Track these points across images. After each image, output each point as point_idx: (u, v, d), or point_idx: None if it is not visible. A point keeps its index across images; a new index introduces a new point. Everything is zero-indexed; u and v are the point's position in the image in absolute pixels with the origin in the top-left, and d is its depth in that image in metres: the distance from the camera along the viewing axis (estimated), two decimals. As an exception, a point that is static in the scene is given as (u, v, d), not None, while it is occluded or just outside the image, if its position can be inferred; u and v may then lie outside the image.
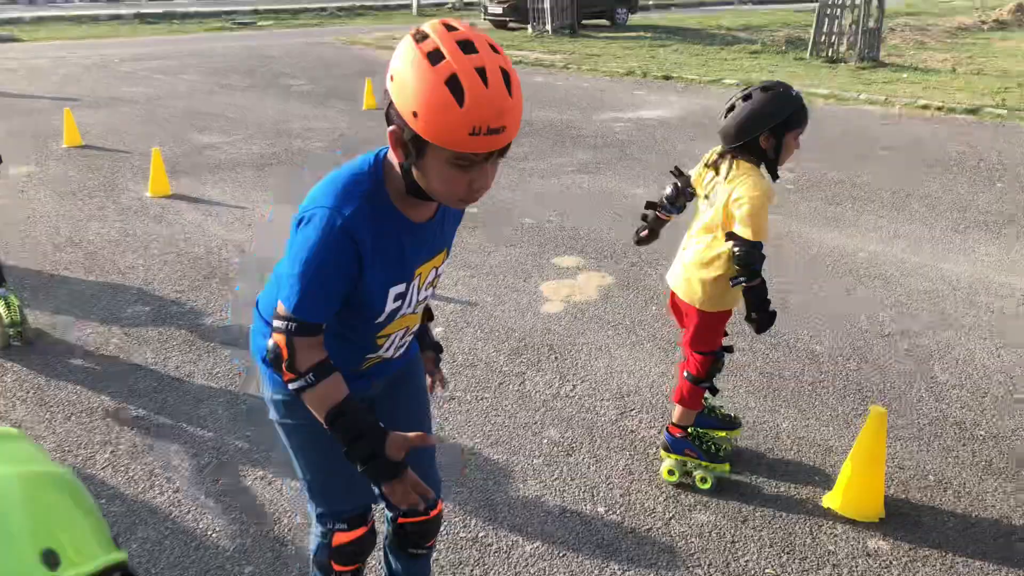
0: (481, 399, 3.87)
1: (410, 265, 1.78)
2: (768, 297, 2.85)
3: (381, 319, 1.82)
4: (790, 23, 21.49)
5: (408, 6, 29.11)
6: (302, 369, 1.71)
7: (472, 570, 2.77)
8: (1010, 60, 14.69)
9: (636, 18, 23.68)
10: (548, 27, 19.83)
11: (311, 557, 2.21)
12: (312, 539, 2.19)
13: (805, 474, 3.28)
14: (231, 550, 2.90)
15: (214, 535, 2.97)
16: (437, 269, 1.88)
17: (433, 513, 2.20)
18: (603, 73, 13.87)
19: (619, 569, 2.78)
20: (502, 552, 2.86)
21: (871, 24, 13.81)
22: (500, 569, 2.77)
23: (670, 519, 3.05)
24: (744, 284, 2.81)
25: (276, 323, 1.72)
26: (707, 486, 3.18)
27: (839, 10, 14.12)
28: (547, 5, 19.71)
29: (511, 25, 21.80)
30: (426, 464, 2.18)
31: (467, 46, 1.48)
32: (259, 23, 25.24)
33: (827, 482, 3.18)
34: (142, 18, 25.58)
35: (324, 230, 1.63)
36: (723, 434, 3.34)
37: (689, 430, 3.23)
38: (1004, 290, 5.08)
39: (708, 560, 2.83)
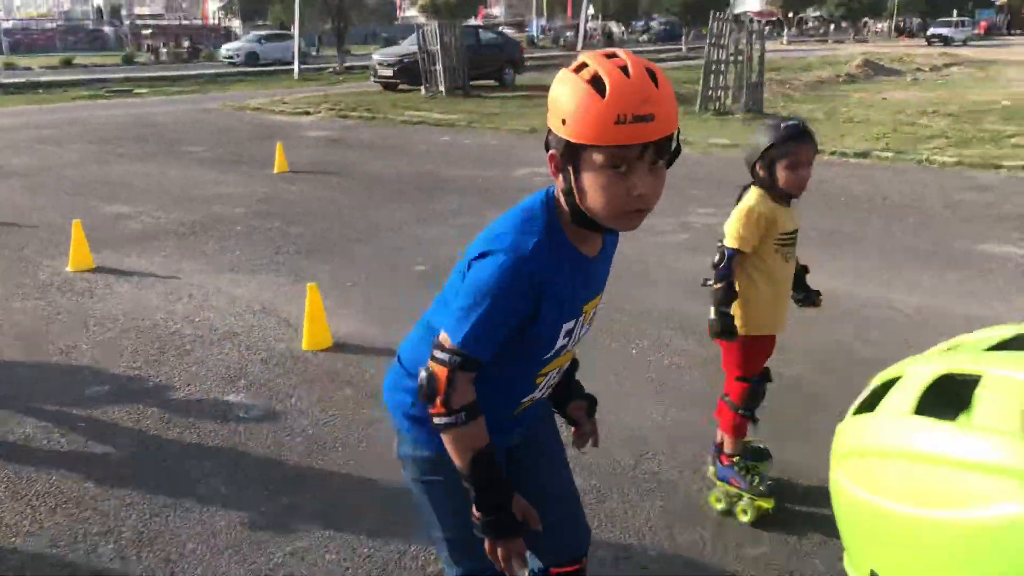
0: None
1: (580, 300, 1.78)
2: (726, 309, 3.06)
3: (548, 355, 1.80)
4: (674, 80, 22.53)
5: (289, 71, 28.94)
6: (456, 406, 1.69)
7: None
8: (869, 109, 15.90)
9: (522, 78, 24.33)
10: (442, 88, 20.11)
11: None
12: None
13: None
14: (288, 632, 2.73)
15: (263, 618, 2.79)
16: (596, 308, 1.87)
17: (584, 563, 2.15)
18: (507, 131, 14.15)
19: (692, 611, 2.77)
20: (572, 605, 2.80)
21: (753, 79, 14.69)
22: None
23: (722, 555, 3.07)
24: (709, 284, 3.09)
25: (438, 354, 1.68)
26: (748, 518, 3.23)
27: (723, 66, 14.96)
28: (439, 67, 20.01)
29: (401, 88, 22.00)
30: (578, 513, 2.18)
31: (611, 55, 1.58)
32: (135, 91, 24.50)
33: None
34: (3, 88, 24.40)
35: (504, 265, 1.63)
36: (761, 466, 3.40)
37: (736, 460, 3.28)
38: (954, 319, 5.42)
39: (771, 593, 2.86)
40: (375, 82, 22.83)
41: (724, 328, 3.08)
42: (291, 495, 3.52)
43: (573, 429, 2.17)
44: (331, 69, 30.53)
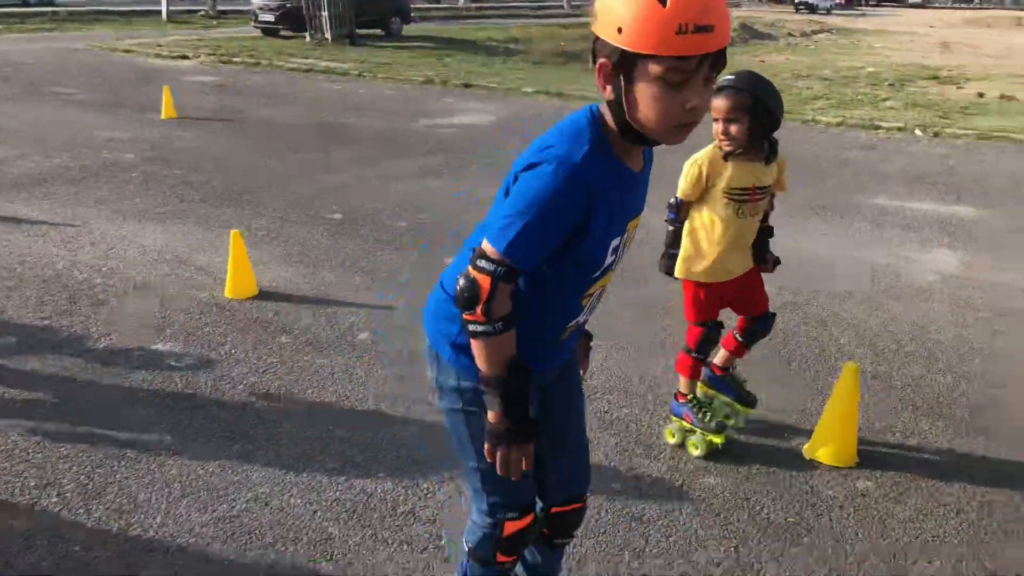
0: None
1: (626, 217, 1.80)
2: (672, 251, 3.29)
3: (596, 274, 1.83)
4: (556, 36, 22.61)
5: (154, 12, 27.31)
6: (496, 315, 1.70)
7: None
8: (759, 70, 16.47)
9: (409, 29, 23.84)
10: (327, 36, 19.48)
11: (470, 550, 2.13)
12: (472, 533, 2.12)
13: (788, 434, 3.57)
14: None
15: (241, 561, 2.74)
16: (636, 229, 1.89)
17: (584, 500, 2.19)
18: (402, 81, 13.90)
19: (659, 536, 2.90)
20: (548, 537, 2.88)
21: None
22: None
23: (681, 485, 3.21)
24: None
25: (481, 263, 1.69)
26: (697, 452, 3.38)
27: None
28: (325, 14, 19.36)
29: (283, 34, 21.18)
30: (583, 456, 2.23)
31: None
32: (-16, 27, 22.57)
33: (807, 438, 3.48)
34: None
35: (554, 175, 1.62)
36: (740, 407, 3.56)
37: (690, 397, 3.42)
38: (860, 266, 5.77)
39: (735, 516, 3.02)
40: (255, 27, 21.87)
41: (666, 268, 3.32)
42: (242, 442, 3.43)
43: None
44: (202, 12, 28.99)
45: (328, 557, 2.78)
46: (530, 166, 1.66)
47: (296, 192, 7.19)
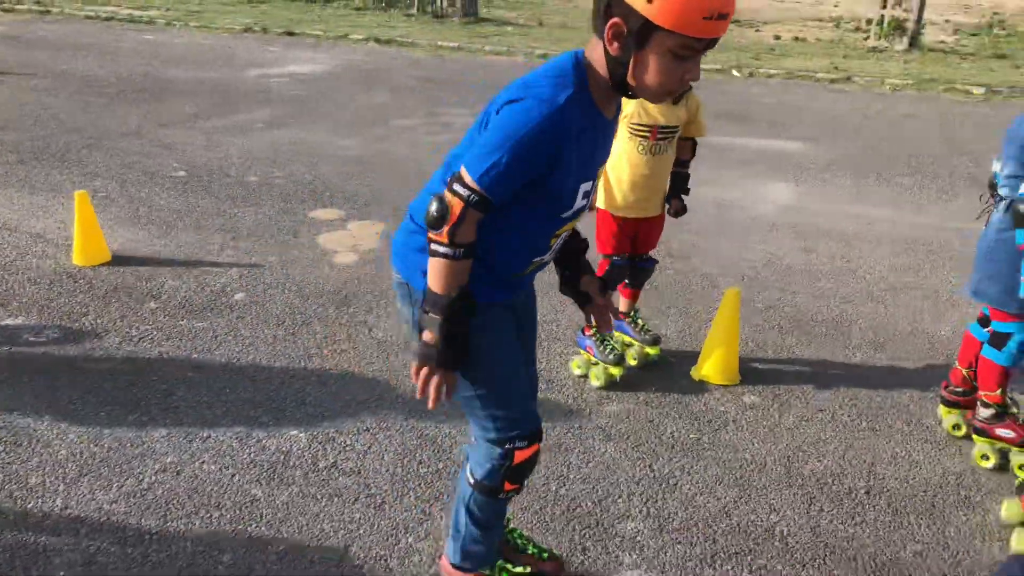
0: (342, 352, 3.78)
1: (597, 162, 1.86)
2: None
3: (567, 215, 1.88)
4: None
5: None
6: (458, 240, 1.75)
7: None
8: (567, 16, 16.73)
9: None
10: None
11: (476, 483, 2.16)
12: (480, 466, 2.15)
13: (675, 360, 3.79)
14: (204, 543, 2.60)
15: (165, 533, 2.63)
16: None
17: (537, 447, 2.17)
18: (218, 30, 13.11)
19: (579, 462, 3.04)
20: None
21: (466, -18, 14.84)
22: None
23: (589, 414, 3.36)
24: None
25: (457, 187, 1.73)
26: (598, 383, 3.54)
27: (437, -32, 14.92)
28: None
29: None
30: (535, 383, 2.32)
31: None
32: None
33: (693, 362, 3.71)
34: None
35: (536, 112, 1.67)
36: (649, 349, 3.73)
37: (593, 331, 3.56)
38: (743, 208, 6.10)
39: (643, 438, 3.21)
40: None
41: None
42: (135, 414, 3.26)
43: (587, 308, 2.19)
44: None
45: (258, 519, 2.72)
46: (512, 101, 1.70)
47: (128, 149, 6.70)
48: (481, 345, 1.94)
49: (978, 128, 8.21)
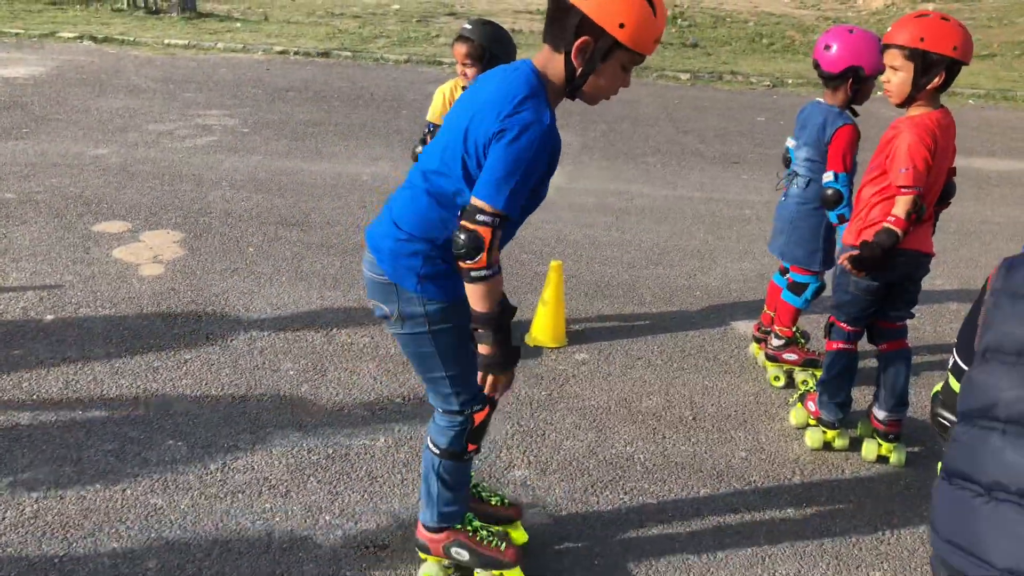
0: (187, 362, 3.77)
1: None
2: None
3: (536, 206, 2.24)
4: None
5: None
6: (493, 260, 2.04)
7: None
8: (285, 10, 16.52)
9: None
10: None
11: (442, 451, 2.41)
12: (442, 435, 2.41)
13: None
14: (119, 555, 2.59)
15: (75, 553, 2.58)
16: None
17: (488, 410, 2.45)
18: None
19: (455, 430, 3.35)
20: (338, 456, 3.15)
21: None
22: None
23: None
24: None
25: (481, 217, 2.00)
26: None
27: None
28: None
29: None
30: None
31: None
32: None
33: (525, 328, 4.14)
34: None
35: (535, 137, 2.00)
36: None
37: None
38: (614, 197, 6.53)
39: (503, 401, 3.56)
40: None
41: None
42: (-18, 448, 3.07)
43: None
44: None
45: (168, 524, 2.75)
46: (503, 132, 2.00)
47: None
48: (452, 337, 2.26)
49: (693, 110, 9.42)
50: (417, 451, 3.20)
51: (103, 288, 4.39)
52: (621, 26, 1.98)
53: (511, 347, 2.19)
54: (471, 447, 2.45)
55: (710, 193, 6.62)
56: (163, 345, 3.87)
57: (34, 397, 3.41)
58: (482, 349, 2.16)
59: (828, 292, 3.65)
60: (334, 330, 4.09)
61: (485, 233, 2.01)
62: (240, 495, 2.91)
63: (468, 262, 2.04)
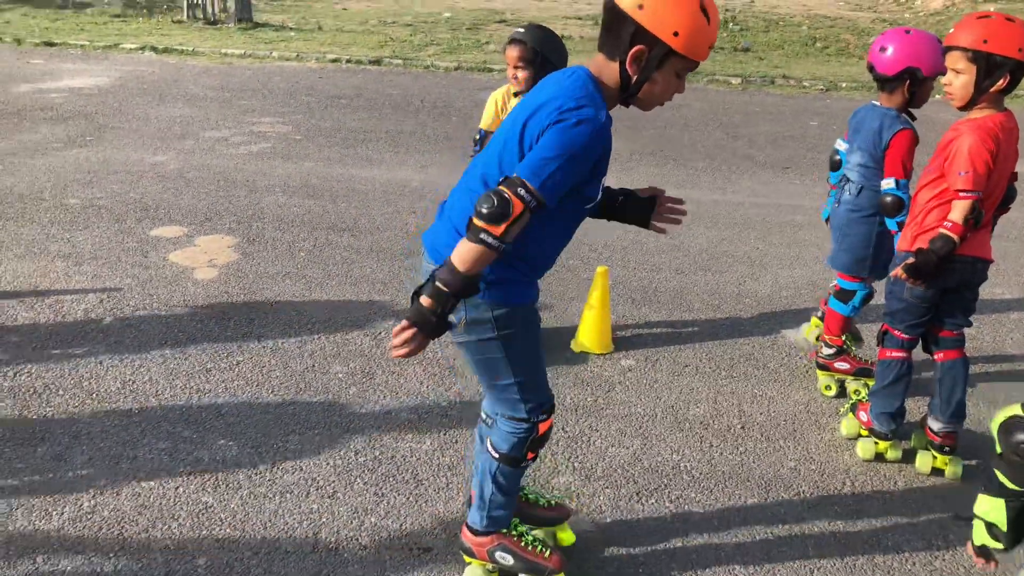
0: (239, 364, 3.84)
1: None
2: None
3: (590, 207, 2.25)
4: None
5: None
6: (508, 239, 2.02)
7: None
8: (337, 19, 16.80)
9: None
10: None
11: (501, 456, 2.42)
12: (505, 441, 2.41)
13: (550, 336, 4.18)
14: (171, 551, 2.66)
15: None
16: None
17: (552, 419, 2.48)
18: (-34, 42, 11.93)
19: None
20: (385, 458, 3.18)
21: (238, -14, 14.48)
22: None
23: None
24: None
25: (520, 191, 2.00)
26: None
27: (205, -28, 14.45)
28: None
29: None
30: None
31: None
32: None
33: (570, 334, 4.13)
34: None
35: (589, 130, 2.02)
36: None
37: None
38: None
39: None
40: None
41: None
42: (44, 445, 3.17)
43: (653, 218, 2.48)
44: None
45: (219, 523, 2.81)
46: (564, 121, 2.01)
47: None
48: (525, 342, 2.27)
49: (744, 115, 9.32)
50: (462, 455, 3.22)
51: (159, 291, 4.50)
52: (675, 34, 2.01)
53: (445, 321, 2.10)
54: (530, 455, 2.46)
55: (761, 198, 6.53)
56: (216, 347, 3.95)
57: (93, 396, 3.51)
58: (423, 300, 2.07)
59: (881, 299, 3.57)
60: (382, 334, 4.14)
61: (517, 206, 2.00)
62: (288, 495, 2.96)
63: (486, 223, 2.00)
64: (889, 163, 3.38)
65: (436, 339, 2.13)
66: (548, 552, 2.58)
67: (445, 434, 3.36)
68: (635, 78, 2.10)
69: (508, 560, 2.56)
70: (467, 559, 2.63)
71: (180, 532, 2.76)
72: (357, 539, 2.78)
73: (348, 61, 11.44)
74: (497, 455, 2.45)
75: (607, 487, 3.09)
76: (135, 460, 3.11)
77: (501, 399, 2.40)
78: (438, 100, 9.40)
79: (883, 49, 3.41)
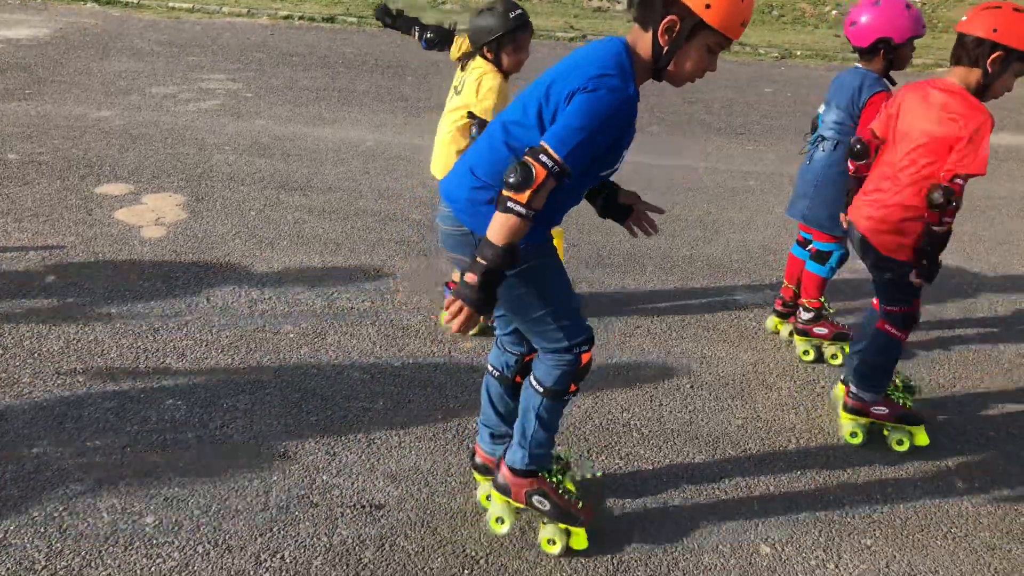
0: (188, 323, 3.78)
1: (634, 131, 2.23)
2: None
3: (607, 172, 2.27)
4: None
5: None
6: (534, 206, 2.04)
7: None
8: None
9: None
10: None
11: (546, 389, 2.43)
12: (548, 375, 2.43)
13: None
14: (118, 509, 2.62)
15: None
16: None
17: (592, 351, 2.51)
18: None
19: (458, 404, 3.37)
20: (338, 419, 3.17)
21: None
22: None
23: (446, 360, 3.68)
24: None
25: (543, 158, 2.02)
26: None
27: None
28: None
29: None
30: None
31: None
32: None
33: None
34: None
35: (615, 100, 2.05)
36: None
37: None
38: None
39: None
40: None
41: None
42: (-17, 405, 3.10)
43: (628, 220, 2.57)
44: None
45: (167, 482, 2.78)
46: (587, 90, 2.02)
47: None
48: (548, 270, 2.32)
49: (701, 81, 9.33)
50: (415, 414, 3.22)
51: (105, 249, 4.40)
52: (707, 7, 2.03)
53: (492, 294, 2.12)
54: (574, 387, 2.49)
55: (715, 163, 6.58)
56: (164, 306, 3.88)
57: (35, 355, 3.43)
58: (467, 277, 2.10)
59: (863, 274, 3.64)
60: (334, 294, 4.10)
61: (540, 173, 2.02)
62: (238, 454, 2.94)
63: (512, 191, 2.04)
64: (864, 121, 3.45)
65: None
66: (581, 503, 2.63)
67: (397, 394, 3.36)
68: (665, 49, 2.12)
69: (545, 505, 2.59)
70: (497, 497, 2.64)
71: (128, 491, 2.73)
72: (308, 497, 2.77)
73: (301, 18, 11.17)
74: (542, 389, 2.47)
75: (559, 443, 3.10)
76: (80, 420, 3.05)
77: (540, 333, 2.41)
78: (392, 60, 9.25)
79: (853, 23, 3.48)
